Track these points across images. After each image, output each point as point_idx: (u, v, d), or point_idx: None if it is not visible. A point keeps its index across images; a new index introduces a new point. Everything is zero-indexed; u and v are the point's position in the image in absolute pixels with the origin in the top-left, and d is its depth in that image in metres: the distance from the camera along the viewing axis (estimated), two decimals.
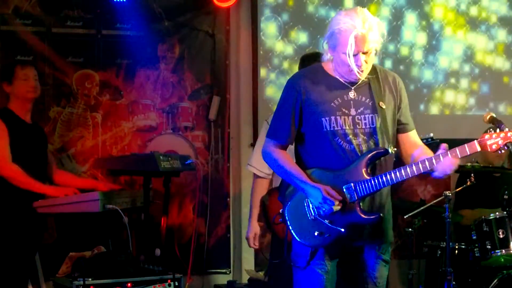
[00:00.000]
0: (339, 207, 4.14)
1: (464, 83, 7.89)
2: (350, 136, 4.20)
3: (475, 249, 6.30)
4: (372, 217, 4.18)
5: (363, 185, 4.14)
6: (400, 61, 7.74)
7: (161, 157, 5.96)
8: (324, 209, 4.14)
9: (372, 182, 4.12)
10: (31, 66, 6.03)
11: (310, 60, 5.61)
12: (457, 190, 6.53)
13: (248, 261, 7.45)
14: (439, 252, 6.48)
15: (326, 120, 4.19)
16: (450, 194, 6.04)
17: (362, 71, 4.14)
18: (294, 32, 7.60)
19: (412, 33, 7.80)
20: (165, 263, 5.77)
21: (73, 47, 7.22)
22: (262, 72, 7.55)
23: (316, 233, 4.22)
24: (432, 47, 7.83)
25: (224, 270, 7.52)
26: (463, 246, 6.45)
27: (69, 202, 5.65)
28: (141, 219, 6.14)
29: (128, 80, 7.35)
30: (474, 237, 6.30)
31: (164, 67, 7.45)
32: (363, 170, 4.14)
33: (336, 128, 4.19)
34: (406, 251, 6.92)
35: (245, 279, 7.14)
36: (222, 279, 7.40)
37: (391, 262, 7.14)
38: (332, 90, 4.23)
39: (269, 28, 7.61)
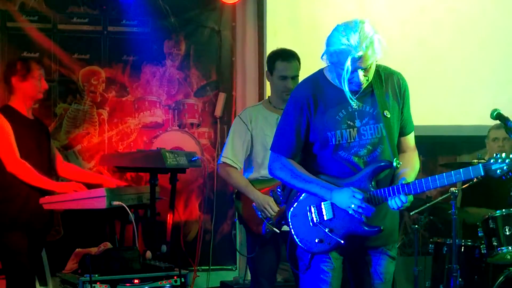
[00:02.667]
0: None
1: None
2: (356, 148, 4.17)
3: (482, 246, 6.29)
4: (373, 229, 4.14)
5: (367, 197, 4.11)
6: None
7: (167, 154, 5.95)
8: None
9: (376, 194, 4.11)
10: (42, 67, 6.02)
11: (273, 58, 5.65)
12: (464, 187, 6.52)
13: None
14: (445, 249, 6.47)
15: (331, 134, 4.16)
16: (456, 191, 6.04)
17: (361, 84, 4.07)
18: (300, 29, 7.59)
19: None
20: (172, 260, 5.76)
21: (79, 44, 7.24)
22: None
23: (316, 240, 4.23)
24: None
25: (230, 267, 7.53)
26: (470, 243, 6.43)
27: (76, 198, 5.65)
28: (147, 216, 6.13)
29: (134, 76, 7.35)
30: (481, 234, 6.28)
31: (170, 64, 7.46)
32: (367, 182, 4.12)
33: (341, 142, 4.16)
34: (412, 248, 6.93)
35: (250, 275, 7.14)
36: (228, 275, 7.41)
37: (397, 259, 7.20)
38: (336, 101, 4.17)
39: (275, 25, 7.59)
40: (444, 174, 4.00)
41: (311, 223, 4.24)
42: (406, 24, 7.66)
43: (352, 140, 4.16)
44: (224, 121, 7.55)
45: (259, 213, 5.41)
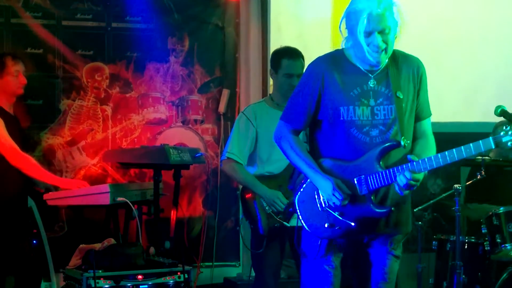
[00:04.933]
0: (346, 202, 4.10)
1: None
2: (368, 127, 4.12)
3: (485, 243, 6.28)
4: (382, 210, 4.10)
5: (374, 178, 4.06)
6: None
7: (171, 150, 5.97)
8: (332, 202, 4.11)
9: (384, 175, 4.04)
10: (19, 60, 6.02)
11: (278, 56, 5.65)
12: (467, 183, 6.52)
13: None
14: (449, 245, 6.46)
15: (344, 109, 4.11)
16: (460, 188, 6.05)
17: (380, 51, 4.02)
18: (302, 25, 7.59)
19: None
20: (175, 256, 5.77)
21: (83, 40, 7.22)
22: None
23: (326, 225, 4.19)
24: None
25: (233, 263, 7.53)
26: (473, 240, 6.43)
27: (80, 194, 5.67)
28: (151, 212, 6.14)
29: (138, 73, 7.35)
30: (484, 231, 6.28)
31: (174, 60, 7.46)
32: (375, 162, 4.07)
33: (353, 118, 4.11)
34: (415, 244, 6.91)
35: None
36: (232, 271, 7.41)
37: (401, 256, 7.20)
38: (352, 78, 4.14)
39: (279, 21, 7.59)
40: (454, 149, 3.92)
41: (319, 208, 4.22)
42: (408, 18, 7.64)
43: (365, 119, 4.12)
44: (227, 117, 7.55)
45: (267, 207, 5.40)
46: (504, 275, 6.13)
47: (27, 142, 6.17)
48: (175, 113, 7.46)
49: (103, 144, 7.20)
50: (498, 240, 6.15)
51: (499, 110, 4.95)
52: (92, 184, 5.97)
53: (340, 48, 4.24)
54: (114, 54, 7.29)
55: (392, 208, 4.13)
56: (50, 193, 5.74)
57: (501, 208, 6.18)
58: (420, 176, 4.00)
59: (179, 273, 5.48)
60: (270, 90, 7.32)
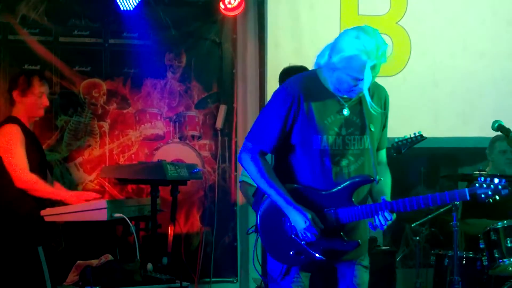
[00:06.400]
0: (318, 237, 4.04)
1: None
2: (339, 157, 4.10)
3: (483, 258, 6.27)
4: (352, 244, 4.10)
5: (348, 213, 4.05)
6: None
7: (168, 166, 5.95)
8: (305, 236, 4.04)
9: (359, 211, 4.04)
10: (46, 82, 6.03)
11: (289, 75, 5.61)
12: None
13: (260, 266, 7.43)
14: (447, 260, 6.45)
15: (318, 138, 4.07)
16: (458, 203, 6.04)
17: (361, 92, 4.03)
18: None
19: None
20: (172, 272, 5.75)
21: (80, 56, 7.25)
22: (269, 81, 7.53)
23: (291, 253, 4.13)
24: None
25: (231, 279, 7.51)
26: (471, 255, 6.41)
27: (77, 210, 5.66)
28: (149, 228, 6.13)
29: (135, 89, 7.36)
30: (482, 246, 6.27)
31: (171, 76, 7.47)
32: (348, 197, 4.06)
33: (326, 148, 4.07)
34: (413, 260, 6.92)
35: (252, 287, 7.13)
36: (229, 287, 7.39)
37: (399, 271, 7.21)
38: (326, 105, 4.09)
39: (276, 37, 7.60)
40: (429, 195, 3.96)
41: (287, 233, 4.13)
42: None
43: (337, 148, 4.09)
44: (225, 133, 7.55)
45: None
46: None
47: (45, 161, 6.16)
48: (173, 129, 7.46)
49: (100, 160, 7.20)
50: (496, 255, 6.12)
51: (496, 125, 4.98)
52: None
53: (313, 69, 4.19)
54: (112, 70, 7.31)
55: (360, 241, 4.12)
56: (47, 209, 5.73)
57: (499, 223, 6.17)
58: (394, 216, 4.03)
59: None
60: None
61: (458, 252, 6.18)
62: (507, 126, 5.30)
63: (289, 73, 5.69)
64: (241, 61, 7.65)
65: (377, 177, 4.10)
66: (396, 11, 7.65)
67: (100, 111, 7.25)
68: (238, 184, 5.86)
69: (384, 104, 4.24)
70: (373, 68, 3.90)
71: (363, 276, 4.30)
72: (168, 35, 7.46)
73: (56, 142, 7.05)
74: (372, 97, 4.14)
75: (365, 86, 3.93)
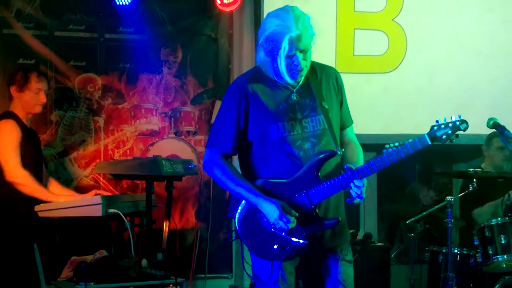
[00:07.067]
0: (294, 224, 4.02)
1: None
2: (300, 141, 4.08)
3: (477, 255, 6.28)
4: (331, 222, 4.07)
5: (317, 192, 4.03)
6: None
7: (163, 162, 5.95)
8: (279, 226, 4.01)
9: (327, 187, 4.01)
10: (44, 79, 6.01)
11: None
12: (460, 195, 6.53)
13: (249, 265, 7.42)
14: (441, 257, 6.46)
15: (274, 126, 4.06)
16: (452, 200, 6.05)
17: (301, 69, 4.03)
18: None
19: None
20: (167, 268, 5.75)
21: (75, 51, 7.24)
22: None
23: (275, 247, 4.09)
24: None
25: (226, 275, 7.50)
26: (465, 252, 6.42)
27: (71, 206, 5.64)
28: (143, 223, 6.12)
29: (131, 84, 7.35)
30: (476, 243, 6.28)
31: (167, 71, 7.46)
32: (313, 176, 4.02)
33: (284, 134, 4.06)
34: (408, 256, 6.93)
35: (247, 283, 7.14)
36: (224, 283, 7.40)
37: (393, 267, 7.22)
38: (275, 94, 4.10)
39: None
40: (391, 150, 3.91)
41: (266, 229, 4.09)
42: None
43: (295, 133, 4.07)
44: None
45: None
46: (496, 286, 6.13)
47: (41, 157, 6.15)
48: (168, 125, 7.45)
49: (95, 155, 7.20)
50: (490, 252, 6.13)
51: (491, 122, 4.98)
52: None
53: (257, 66, 4.19)
54: (107, 65, 7.30)
55: (340, 218, 4.09)
56: (41, 204, 5.71)
57: (493, 220, 6.18)
58: (365, 182, 4.01)
59: (171, 285, 5.44)
60: None
61: (453, 249, 6.19)
62: (502, 123, 5.30)
63: None
64: (237, 57, 7.64)
65: (339, 150, 4.08)
66: (392, 8, 7.63)
67: (95, 106, 7.24)
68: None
69: (336, 82, 4.24)
70: (299, 39, 3.93)
71: (347, 271, 4.27)
72: (163, 30, 7.45)
73: (50, 137, 7.05)
74: (320, 78, 4.18)
75: (281, 56, 3.94)
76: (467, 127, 3.98)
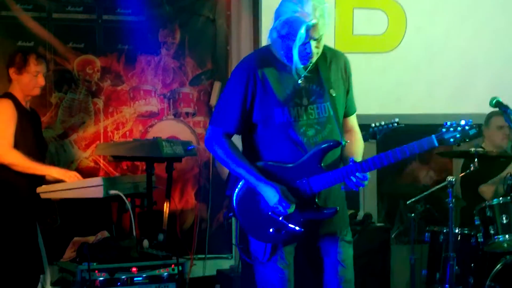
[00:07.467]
0: (293, 209, 4.02)
1: None
2: (304, 128, 4.07)
3: (478, 234, 6.29)
4: (330, 211, 4.08)
5: (319, 180, 4.03)
6: None
7: (163, 143, 5.95)
8: (278, 210, 4.02)
9: (330, 177, 4.01)
10: (43, 61, 5.99)
11: None
12: (461, 175, 6.54)
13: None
14: (442, 237, 6.46)
15: (279, 110, 4.04)
16: (453, 180, 6.06)
17: (312, 57, 4.01)
18: None
19: None
20: (168, 248, 5.76)
21: (74, 33, 7.20)
22: None
23: (271, 230, 4.09)
24: None
25: (226, 255, 7.52)
26: (466, 232, 6.43)
27: (73, 187, 5.65)
28: (144, 205, 6.13)
29: (129, 65, 7.33)
30: (477, 222, 6.29)
31: (165, 53, 7.43)
32: (316, 164, 4.02)
33: (290, 120, 4.05)
34: (408, 236, 6.93)
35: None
36: (225, 263, 7.41)
37: (394, 247, 7.22)
38: (283, 78, 4.08)
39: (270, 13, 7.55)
40: (397, 149, 3.94)
41: (263, 212, 4.10)
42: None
43: (300, 119, 4.07)
44: None
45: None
46: (498, 266, 6.15)
47: (41, 139, 6.15)
48: (167, 106, 7.44)
49: (95, 137, 7.18)
50: (492, 232, 6.15)
51: (494, 101, 4.98)
52: (85, 177, 5.94)
53: (267, 45, 4.16)
54: (105, 47, 7.27)
55: (338, 208, 4.10)
56: (43, 186, 5.72)
57: (495, 200, 6.19)
58: (368, 176, 4.02)
59: (173, 265, 5.46)
60: None
61: (453, 229, 6.20)
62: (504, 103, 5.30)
63: None
64: (235, 38, 7.62)
65: (343, 141, 4.08)
66: None
67: (94, 88, 7.22)
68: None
69: (344, 69, 4.22)
70: (315, 28, 3.90)
71: (347, 251, 4.27)
72: (162, 11, 7.42)
73: (50, 119, 7.03)
74: (329, 64, 4.16)
75: (296, 44, 3.90)
76: (476, 133, 3.98)
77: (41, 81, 5.93)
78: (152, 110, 7.40)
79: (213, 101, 7.46)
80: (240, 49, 7.61)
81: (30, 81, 5.88)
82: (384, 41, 7.48)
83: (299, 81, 4.08)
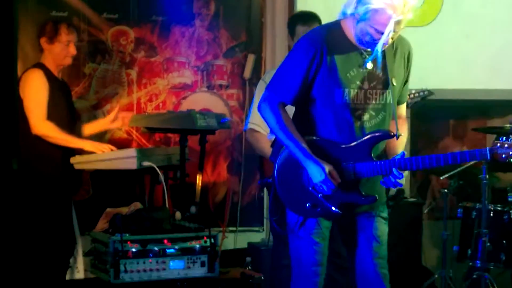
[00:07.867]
0: (336, 190, 4.02)
1: None
2: (360, 111, 4.05)
3: (511, 211, 6.26)
4: (369, 199, 4.08)
5: (366, 168, 4.02)
6: None
7: (197, 115, 5.94)
8: (322, 189, 4.02)
9: (377, 167, 4.00)
10: (74, 30, 6.00)
11: (293, 22, 5.59)
12: None
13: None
14: (474, 213, 6.43)
15: (340, 91, 4.01)
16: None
17: (386, 45, 3.96)
18: None
19: None
20: (200, 221, 5.78)
21: (108, 3, 7.21)
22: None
23: (308, 204, 4.11)
24: None
25: (257, 228, 7.54)
26: (499, 208, 6.39)
27: (106, 158, 5.68)
28: (177, 177, 6.14)
29: (163, 37, 7.32)
30: (510, 199, 6.25)
31: (199, 24, 7.41)
32: (366, 151, 4.02)
33: (348, 102, 4.02)
34: (440, 212, 6.91)
35: None
36: (256, 237, 7.43)
37: (426, 223, 7.20)
38: (349, 58, 4.03)
39: None
40: (449, 154, 3.90)
41: (304, 185, 4.12)
42: None
43: (358, 102, 4.05)
44: (252, 83, 7.49)
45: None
46: None
47: (73, 109, 6.18)
48: (200, 78, 7.43)
49: (128, 108, 7.20)
50: None
51: None
52: (117, 148, 5.96)
53: (337, 19, 4.11)
54: (139, 18, 7.26)
55: (377, 196, 4.09)
56: (76, 156, 5.76)
57: None
58: (405, 174, 4.03)
59: (205, 237, 5.47)
60: None
61: (486, 205, 6.16)
62: None
63: (288, 21, 5.82)
64: (270, 10, 7.55)
65: (398, 133, 4.07)
66: None
67: (127, 59, 7.23)
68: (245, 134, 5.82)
69: (407, 57, 4.20)
70: (398, 23, 3.85)
71: (383, 227, 4.27)
72: None
73: (84, 89, 7.05)
74: (395, 50, 4.12)
75: (381, 41, 3.88)
76: None
77: (72, 50, 5.94)
78: (186, 82, 7.40)
79: (247, 73, 7.45)
80: (275, 21, 7.56)
81: (62, 50, 5.89)
82: (420, 14, 7.38)
83: (366, 64, 4.05)
